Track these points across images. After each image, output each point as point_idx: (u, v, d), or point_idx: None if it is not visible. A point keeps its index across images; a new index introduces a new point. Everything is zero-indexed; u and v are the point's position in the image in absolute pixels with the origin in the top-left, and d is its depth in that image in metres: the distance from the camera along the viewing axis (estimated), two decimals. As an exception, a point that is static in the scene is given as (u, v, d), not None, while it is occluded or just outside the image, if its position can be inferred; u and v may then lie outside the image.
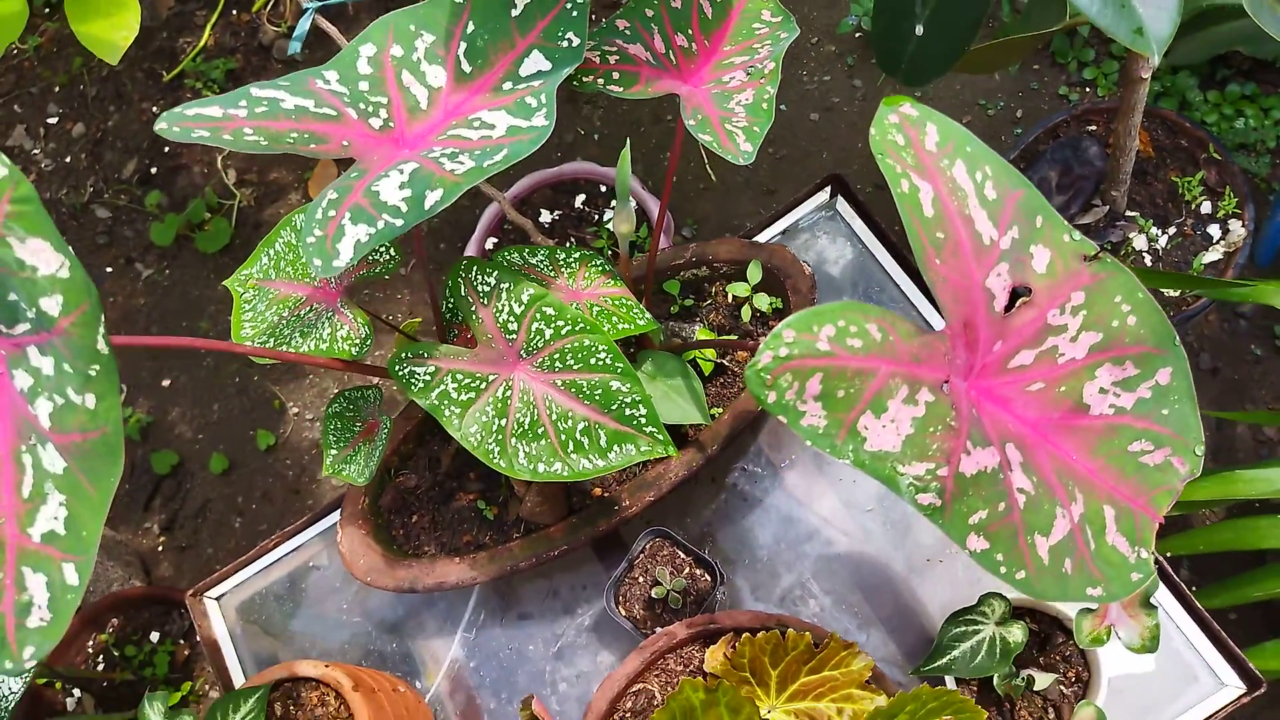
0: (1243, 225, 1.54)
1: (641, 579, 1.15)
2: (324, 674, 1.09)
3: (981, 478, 0.66)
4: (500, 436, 0.87)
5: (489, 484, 1.16)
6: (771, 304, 1.16)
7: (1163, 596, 1.10)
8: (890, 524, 1.20)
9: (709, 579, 1.13)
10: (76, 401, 0.56)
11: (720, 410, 1.13)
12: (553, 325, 0.88)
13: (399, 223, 0.67)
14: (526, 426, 0.88)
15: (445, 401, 0.87)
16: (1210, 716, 1.05)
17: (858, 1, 2.16)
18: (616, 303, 1.00)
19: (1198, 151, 1.60)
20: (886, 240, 1.31)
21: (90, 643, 1.69)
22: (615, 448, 0.89)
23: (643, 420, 0.89)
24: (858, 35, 2.22)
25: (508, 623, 1.25)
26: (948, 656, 0.91)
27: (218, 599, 1.34)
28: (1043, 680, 0.94)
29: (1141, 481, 0.72)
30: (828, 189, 1.34)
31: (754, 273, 1.13)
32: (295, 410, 2.19)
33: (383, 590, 1.13)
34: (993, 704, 0.99)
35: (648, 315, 1.00)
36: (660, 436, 0.90)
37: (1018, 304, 0.70)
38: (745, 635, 0.85)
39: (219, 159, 2.41)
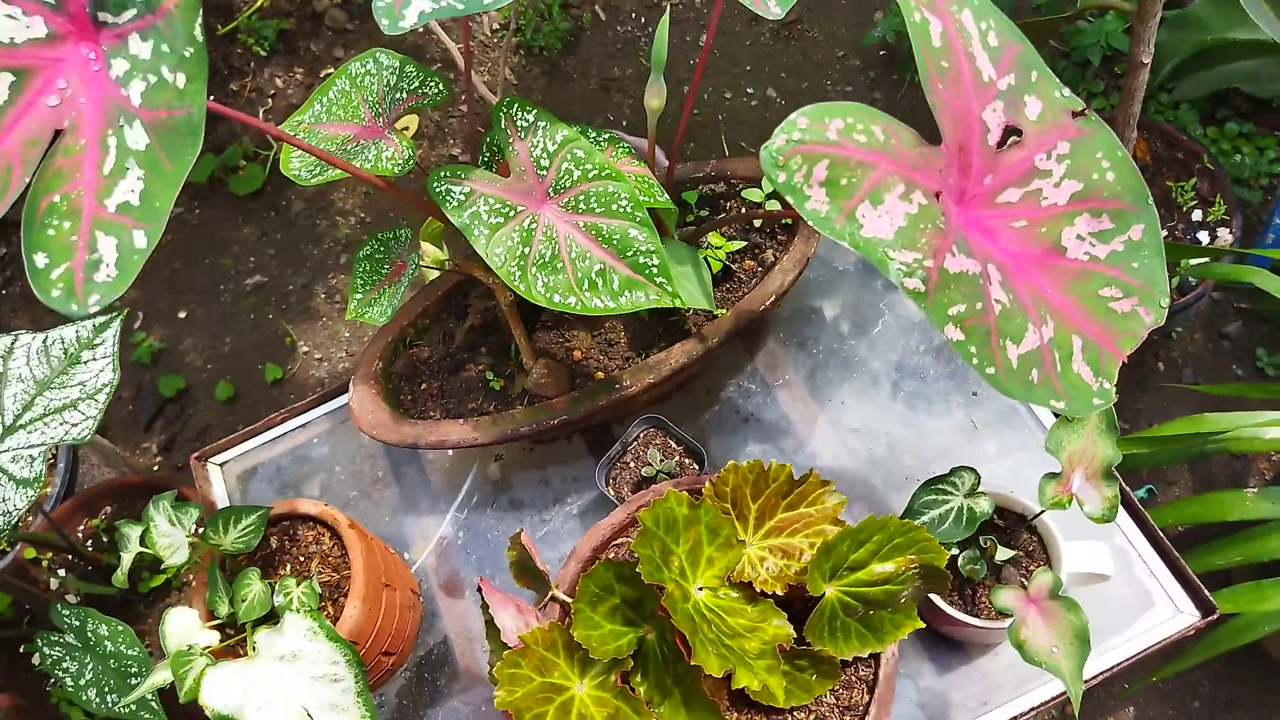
0: (1230, 232, 1.62)
1: (633, 463, 1.20)
2: (323, 512, 1.13)
3: (963, 278, 0.72)
4: (522, 263, 0.94)
5: (498, 358, 1.22)
6: (784, 222, 1.24)
7: (1126, 524, 1.15)
8: (873, 444, 1.26)
9: (697, 469, 1.18)
10: (169, 80, 0.63)
11: (724, 311, 1.20)
12: (581, 167, 0.95)
13: (460, 6, 0.75)
14: (547, 259, 0.94)
15: (476, 222, 0.93)
16: (1163, 640, 1.10)
17: (885, 18, 2.28)
18: (639, 180, 1.07)
19: (1192, 163, 1.69)
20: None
21: (81, 527, 1.73)
22: (626, 293, 0.96)
23: (655, 270, 0.96)
24: (881, 52, 2.33)
25: (499, 507, 1.29)
26: (918, 520, 0.96)
27: (220, 465, 1.39)
28: (1003, 554, 0.99)
29: (1109, 323, 0.78)
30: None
31: (769, 184, 1.21)
32: (305, 349, 2.25)
33: (387, 444, 1.18)
34: (954, 588, 1.03)
35: (666, 196, 1.07)
36: (669, 288, 0.96)
37: (1009, 142, 0.78)
38: (730, 464, 0.90)
39: (260, 112, 2.51)
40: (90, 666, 1.36)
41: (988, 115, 0.76)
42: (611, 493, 1.18)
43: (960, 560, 1.01)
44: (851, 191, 0.70)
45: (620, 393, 1.14)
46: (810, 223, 0.70)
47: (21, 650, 1.59)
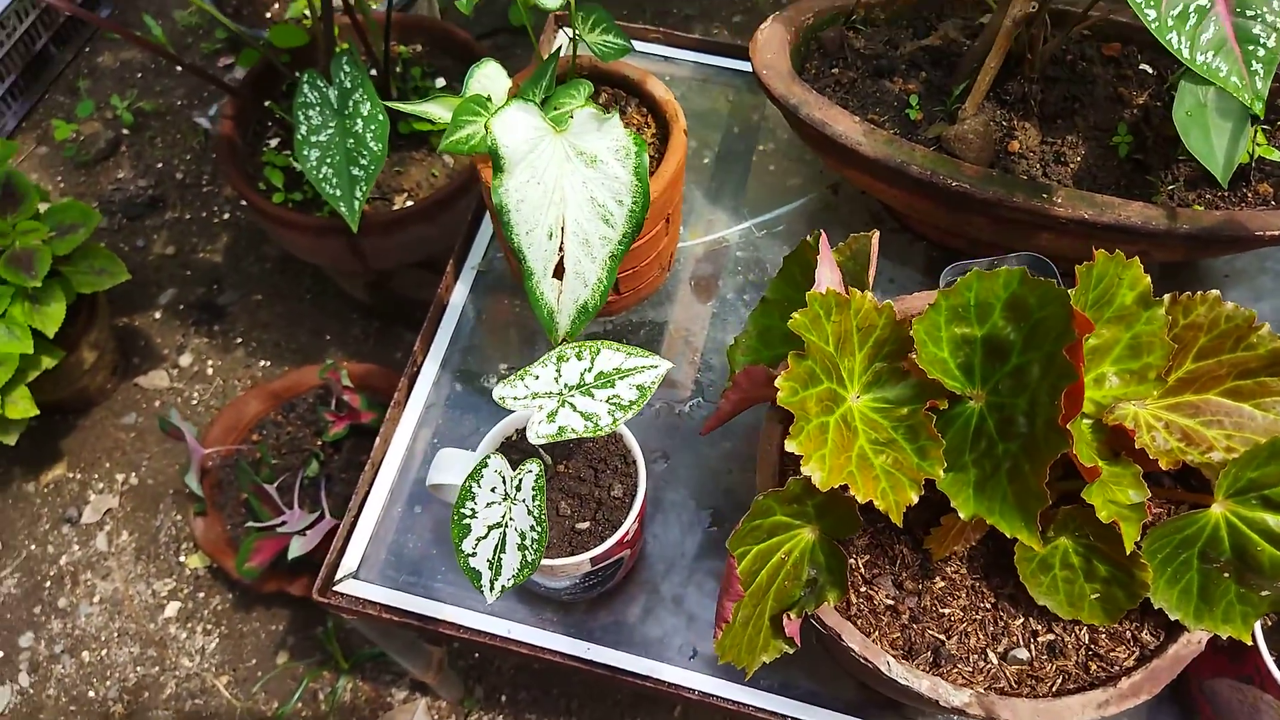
0: None
1: (984, 292, 0.98)
2: (667, 101, 0.97)
3: None
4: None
5: (932, 92, 1.01)
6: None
7: None
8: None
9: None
10: None
11: (1201, 208, 0.95)
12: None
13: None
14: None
15: None
16: None
17: None
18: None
19: None
20: None
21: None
22: (1211, 52, 0.73)
23: (1262, 55, 0.73)
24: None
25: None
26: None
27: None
28: None
29: None
30: None
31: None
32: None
33: (766, 91, 1.00)
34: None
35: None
36: (1249, 76, 0.73)
37: None
38: (1212, 294, 0.67)
39: None
40: (330, 133, 1.27)
41: None
42: (944, 302, 0.96)
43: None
44: None
45: (1041, 204, 0.92)
46: None
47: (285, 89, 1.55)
